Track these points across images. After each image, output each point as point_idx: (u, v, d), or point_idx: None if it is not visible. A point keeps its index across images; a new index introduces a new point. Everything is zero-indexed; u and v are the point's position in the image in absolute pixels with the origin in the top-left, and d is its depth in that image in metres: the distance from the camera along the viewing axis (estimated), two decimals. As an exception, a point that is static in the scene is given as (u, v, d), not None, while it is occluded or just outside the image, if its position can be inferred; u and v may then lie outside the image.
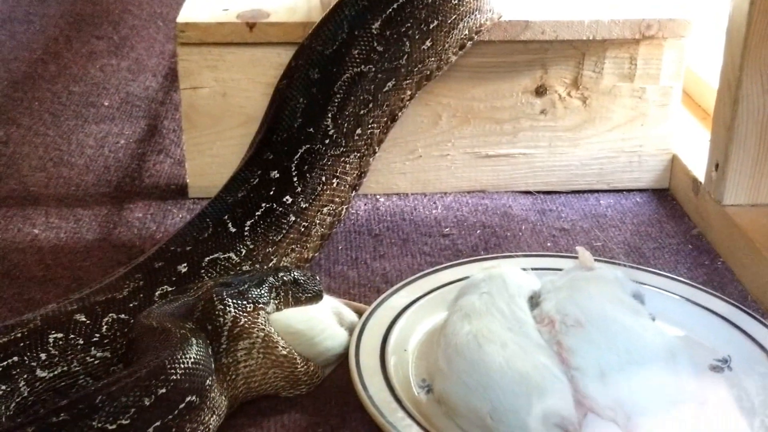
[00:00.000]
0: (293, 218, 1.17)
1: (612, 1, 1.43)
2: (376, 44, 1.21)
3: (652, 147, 1.47)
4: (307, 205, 1.18)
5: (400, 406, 0.95)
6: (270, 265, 1.14)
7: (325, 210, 1.21)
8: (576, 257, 1.13)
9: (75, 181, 1.49)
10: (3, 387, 0.90)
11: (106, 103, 1.77)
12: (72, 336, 0.96)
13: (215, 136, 1.40)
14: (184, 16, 1.36)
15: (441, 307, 1.09)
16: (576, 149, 1.46)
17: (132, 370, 0.86)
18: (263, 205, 1.15)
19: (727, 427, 0.96)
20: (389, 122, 1.28)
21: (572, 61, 1.42)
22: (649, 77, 1.43)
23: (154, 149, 1.60)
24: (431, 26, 1.25)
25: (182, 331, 0.91)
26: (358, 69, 1.21)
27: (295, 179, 1.17)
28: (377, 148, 1.28)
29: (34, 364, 0.93)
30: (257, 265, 1.12)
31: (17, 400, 0.91)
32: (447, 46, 1.29)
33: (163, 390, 0.85)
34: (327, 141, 1.20)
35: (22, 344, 0.93)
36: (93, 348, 0.97)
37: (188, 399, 0.87)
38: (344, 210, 1.25)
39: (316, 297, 1.05)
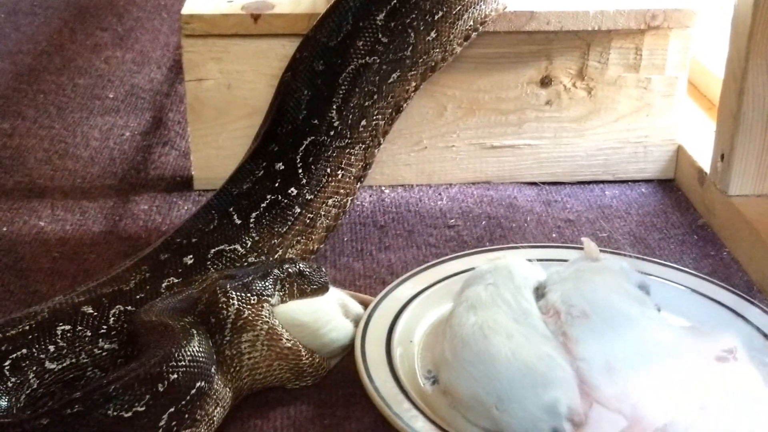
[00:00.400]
0: (298, 210, 1.17)
1: (617, -9, 1.43)
2: (380, 36, 1.21)
3: (658, 137, 1.47)
4: (312, 196, 1.18)
5: (405, 397, 0.95)
6: (276, 256, 1.14)
7: (330, 201, 1.21)
8: (581, 248, 1.13)
9: (80, 174, 1.49)
10: (13, 379, 0.90)
11: (111, 96, 1.77)
12: (80, 328, 0.97)
13: (220, 128, 1.40)
14: (188, 7, 1.36)
15: (446, 299, 1.09)
16: (581, 140, 1.46)
17: (141, 360, 0.87)
18: (268, 196, 1.15)
19: (735, 415, 0.96)
20: (394, 114, 1.28)
21: (577, 52, 1.41)
22: (655, 68, 1.43)
23: (159, 141, 1.60)
24: (436, 17, 1.25)
25: (181, 323, 0.92)
26: (363, 60, 1.21)
27: (300, 171, 1.17)
28: (382, 140, 1.28)
29: (42, 356, 0.93)
30: (263, 257, 1.13)
31: (27, 392, 0.91)
32: (452, 37, 1.29)
33: (175, 375, 0.86)
34: (332, 133, 1.20)
35: (30, 336, 0.94)
36: (101, 340, 0.98)
37: (198, 385, 0.88)
38: (349, 201, 1.25)
39: (321, 289, 1.05)
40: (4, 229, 1.33)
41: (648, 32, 1.41)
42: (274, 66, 1.35)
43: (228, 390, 0.94)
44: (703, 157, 1.40)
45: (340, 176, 1.22)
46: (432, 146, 1.45)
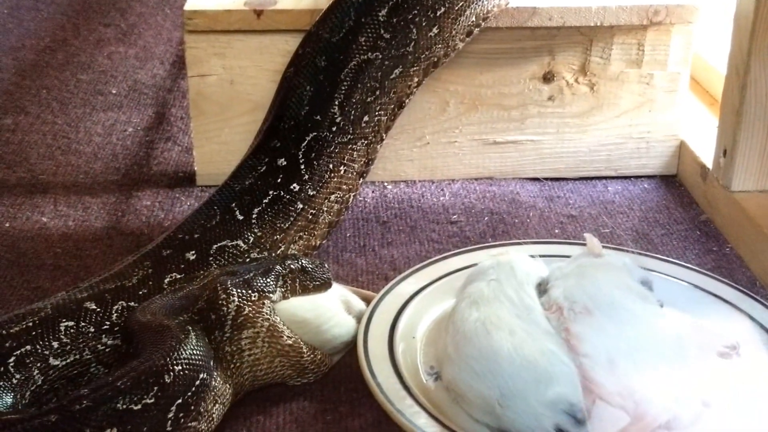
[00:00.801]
0: (301, 206, 1.17)
1: (620, -14, 1.43)
2: (383, 31, 1.21)
3: (660, 133, 1.47)
4: (314, 192, 1.18)
5: (408, 393, 0.95)
6: (278, 252, 1.14)
7: (332, 197, 1.21)
8: (584, 244, 1.13)
9: (83, 169, 1.49)
10: (18, 376, 0.91)
11: (114, 91, 1.77)
12: (83, 324, 0.97)
13: (223, 123, 1.40)
14: (191, 3, 1.36)
15: (449, 295, 1.09)
16: (584, 136, 1.46)
17: (143, 356, 0.87)
18: (271, 192, 1.15)
19: (737, 411, 0.96)
20: (396, 109, 1.28)
21: (580, 48, 1.41)
22: (657, 63, 1.43)
23: (162, 137, 1.60)
24: (438, 13, 1.25)
25: (176, 321, 0.92)
26: (365, 56, 1.21)
27: (303, 167, 1.17)
28: (385, 135, 1.28)
29: (47, 352, 0.94)
30: (265, 253, 1.13)
31: (32, 388, 0.92)
32: (454, 32, 1.29)
33: (179, 367, 0.86)
34: (334, 128, 1.20)
35: (34, 333, 0.94)
36: (104, 336, 0.98)
37: (201, 376, 0.88)
38: (352, 197, 1.25)
39: (324, 285, 1.05)
40: (7, 224, 1.33)
41: (650, 28, 1.40)
42: (277, 62, 1.35)
43: (228, 386, 0.94)
44: (706, 152, 1.40)
45: (342, 172, 1.22)
46: (434, 142, 1.45)
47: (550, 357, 0.93)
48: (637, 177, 1.49)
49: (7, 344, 0.92)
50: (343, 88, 1.20)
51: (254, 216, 1.13)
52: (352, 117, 1.21)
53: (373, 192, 1.44)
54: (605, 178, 1.48)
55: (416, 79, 1.28)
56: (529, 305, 1.02)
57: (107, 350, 0.98)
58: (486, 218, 1.37)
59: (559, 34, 1.40)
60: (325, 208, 1.21)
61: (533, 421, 0.89)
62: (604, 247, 1.12)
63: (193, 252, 1.08)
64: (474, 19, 1.31)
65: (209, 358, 0.91)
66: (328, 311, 1.04)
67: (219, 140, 1.41)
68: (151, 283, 1.03)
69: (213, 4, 1.36)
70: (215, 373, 0.92)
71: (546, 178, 1.48)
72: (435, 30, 1.26)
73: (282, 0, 1.38)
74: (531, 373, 0.91)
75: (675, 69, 1.43)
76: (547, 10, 1.37)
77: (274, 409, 0.99)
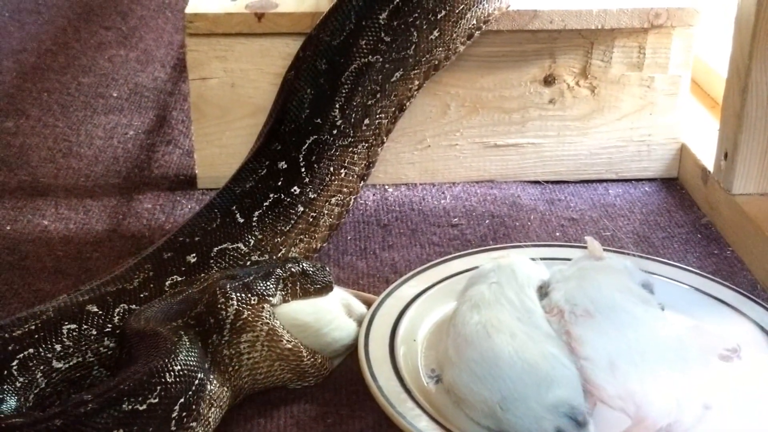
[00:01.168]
0: (301, 208, 1.17)
1: (620, -11, 1.43)
2: (383, 35, 1.21)
3: (661, 136, 1.47)
4: (315, 195, 1.18)
5: (409, 396, 0.95)
6: (279, 255, 1.14)
7: (333, 200, 1.21)
8: (585, 247, 1.13)
9: (84, 172, 1.49)
10: (21, 379, 0.91)
11: (115, 94, 1.77)
12: (85, 327, 0.97)
13: (224, 126, 1.40)
14: (192, 6, 1.36)
15: (450, 298, 1.09)
16: (585, 139, 1.46)
17: (141, 361, 0.87)
18: (271, 195, 1.15)
19: (738, 414, 0.96)
20: (397, 112, 1.28)
21: (581, 51, 1.41)
22: (658, 66, 1.43)
23: (162, 140, 1.60)
24: (439, 16, 1.25)
25: (169, 327, 0.92)
26: (366, 59, 1.21)
27: (303, 170, 1.17)
28: (385, 138, 1.28)
29: (49, 355, 0.94)
30: (266, 255, 1.13)
31: (36, 391, 0.92)
32: (455, 35, 1.29)
33: (178, 367, 0.87)
34: (335, 131, 1.20)
35: (36, 336, 0.94)
36: (106, 338, 0.98)
37: (199, 376, 0.89)
38: (352, 200, 1.25)
39: (325, 288, 1.05)
40: (8, 227, 1.33)
41: (651, 31, 1.40)
42: (278, 65, 1.35)
43: (225, 389, 0.94)
44: (707, 155, 1.40)
45: (343, 175, 1.22)
46: (435, 145, 1.45)
47: (551, 360, 0.93)
48: (638, 180, 1.49)
49: (10, 347, 0.92)
50: (343, 91, 1.20)
51: (255, 219, 1.13)
52: (352, 120, 1.21)
53: (374, 195, 1.44)
54: (606, 181, 1.48)
55: (417, 82, 1.28)
56: (530, 308, 1.02)
57: (109, 353, 0.98)
58: (487, 221, 1.37)
59: (560, 37, 1.40)
60: (326, 211, 1.21)
61: (534, 424, 0.89)
62: (605, 250, 1.12)
63: (194, 255, 1.08)
64: (475, 22, 1.31)
65: (204, 361, 0.91)
66: (329, 314, 1.03)
67: (220, 143, 1.41)
68: (152, 285, 1.03)
69: (214, 7, 1.36)
70: (211, 376, 0.92)
71: (547, 181, 1.48)
72: (436, 33, 1.26)
73: (283, 3, 1.38)
74: (532, 376, 0.91)
75: (676, 72, 1.43)
76: (548, 13, 1.37)
77: (275, 412, 0.99)
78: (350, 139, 1.22)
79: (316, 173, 1.18)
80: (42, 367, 0.93)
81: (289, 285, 1.01)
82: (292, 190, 1.16)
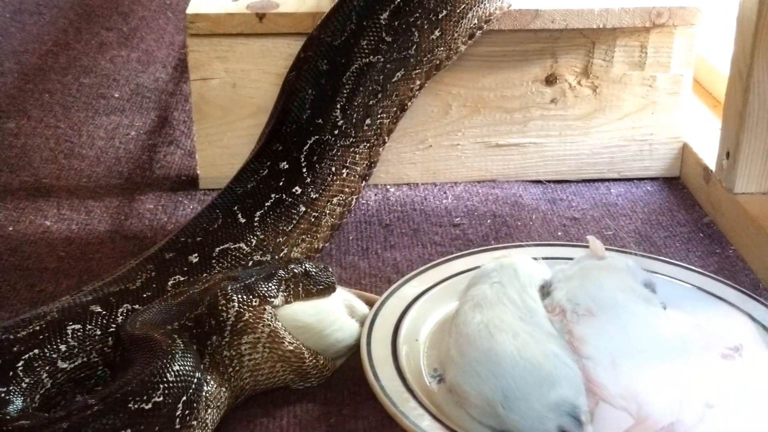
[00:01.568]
0: (303, 209, 1.17)
1: (622, -11, 1.43)
2: (384, 35, 1.21)
3: (663, 135, 1.47)
4: (316, 195, 1.18)
5: (411, 395, 0.95)
6: (281, 255, 1.14)
7: (335, 200, 1.21)
8: (587, 246, 1.13)
9: (86, 173, 1.49)
10: (27, 380, 0.91)
11: (117, 95, 1.77)
12: (89, 327, 0.97)
13: (225, 126, 1.40)
14: (194, 7, 1.36)
15: (452, 297, 1.09)
16: (586, 138, 1.46)
17: (139, 363, 0.87)
18: (273, 195, 1.15)
19: (741, 413, 0.96)
20: (399, 112, 1.28)
21: (582, 50, 1.41)
22: (660, 65, 1.43)
23: (164, 140, 1.60)
24: (440, 16, 1.25)
25: (162, 330, 0.92)
26: (367, 60, 1.21)
27: (305, 170, 1.17)
28: (387, 138, 1.28)
29: (54, 355, 0.94)
30: (268, 255, 1.13)
31: (41, 392, 0.92)
32: (456, 35, 1.29)
33: (177, 366, 0.87)
34: (336, 132, 1.20)
35: (41, 336, 0.94)
36: (110, 338, 0.98)
37: (197, 375, 0.89)
38: (354, 200, 1.26)
39: (328, 289, 1.04)
40: (11, 228, 1.33)
41: (653, 30, 1.40)
42: (279, 65, 1.35)
43: (223, 390, 0.94)
44: (709, 154, 1.40)
45: (344, 175, 1.22)
46: (437, 145, 1.45)
47: (553, 359, 0.93)
48: (639, 179, 1.49)
49: (15, 348, 0.92)
50: (345, 91, 1.20)
51: (257, 219, 1.13)
52: (354, 120, 1.21)
53: (375, 195, 1.44)
54: (608, 180, 1.48)
55: (418, 82, 1.28)
56: (532, 308, 1.02)
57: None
58: (489, 221, 1.37)
59: (561, 37, 1.40)
60: (328, 211, 1.21)
61: (536, 424, 0.89)
62: (607, 249, 1.12)
63: (196, 255, 1.08)
64: (476, 21, 1.31)
65: (199, 362, 0.91)
66: (331, 315, 1.03)
67: (221, 144, 1.41)
68: (154, 285, 1.04)
69: (215, 8, 1.36)
70: (208, 377, 0.92)
71: (549, 181, 1.48)
72: (437, 33, 1.26)
73: (284, 3, 1.38)
74: (534, 376, 0.91)
75: (678, 71, 1.43)
76: (549, 12, 1.37)
77: (277, 412, 0.99)
78: (352, 139, 1.22)
79: (317, 173, 1.18)
80: (47, 368, 0.93)
81: (292, 286, 1.01)
82: (294, 190, 1.16)
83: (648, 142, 1.47)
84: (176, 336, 0.91)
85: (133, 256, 1.18)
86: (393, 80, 1.24)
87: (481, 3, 1.30)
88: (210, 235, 1.11)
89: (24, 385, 0.90)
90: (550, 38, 1.40)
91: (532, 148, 1.46)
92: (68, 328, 0.96)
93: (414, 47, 1.24)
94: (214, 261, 1.09)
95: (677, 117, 1.46)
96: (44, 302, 1.06)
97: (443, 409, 0.95)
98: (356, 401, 1.01)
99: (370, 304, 1.10)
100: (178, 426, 0.86)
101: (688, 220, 1.37)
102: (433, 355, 1.05)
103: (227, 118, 1.40)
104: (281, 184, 1.16)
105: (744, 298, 1.11)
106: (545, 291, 1.06)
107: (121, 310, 1.00)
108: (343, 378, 1.04)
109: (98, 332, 0.97)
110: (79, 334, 0.96)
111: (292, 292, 1.01)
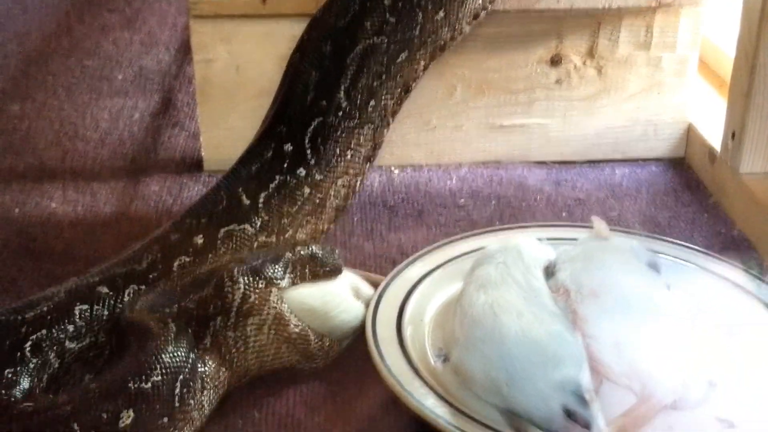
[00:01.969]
0: (308, 190, 1.17)
1: (627, -31, 1.42)
2: (388, 15, 1.21)
3: (668, 116, 1.46)
4: (321, 177, 1.18)
5: (416, 375, 0.96)
6: (286, 236, 1.15)
7: (339, 182, 1.21)
8: (591, 227, 1.13)
9: (91, 156, 1.50)
10: (35, 360, 0.91)
11: (120, 77, 1.77)
12: (97, 307, 0.98)
13: (229, 109, 1.40)
14: (197, -12, 1.36)
15: (457, 278, 1.09)
16: (591, 119, 1.46)
17: (135, 347, 0.88)
18: (277, 177, 1.15)
19: (744, 392, 0.96)
20: (403, 94, 1.28)
21: (588, 31, 1.41)
22: (666, 46, 1.42)
23: (168, 123, 1.60)
24: (444, -4, 1.25)
25: (158, 315, 0.93)
26: (371, 41, 1.20)
27: (309, 152, 1.17)
28: (391, 120, 1.28)
29: (62, 336, 0.94)
30: (273, 237, 1.13)
31: (49, 372, 0.92)
32: (460, 16, 1.29)
33: (171, 347, 0.88)
34: (340, 113, 1.19)
35: (49, 317, 0.95)
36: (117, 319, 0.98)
37: (191, 355, 0.89)
38: (359, 182, 1.25)
39: (334, 271, 1.05)
40: (16, 210, 1.34)
41: (659, 10, 1.40)
42: (283, 47, 1.35)
43: (223, 370, 0.94)
44: (714, 135, 1.40)
45: (349, 157, 1.22)
46: (441, 126, 1.45)
47: (557, 339, 0.93)
48: (644, 160, 1.48)
49: (23, 330, 0.93)
50: (348, 73, 1.20)
51: (261, 201, 1.14)
52: (358, 102, 1.21)
53: (380, 177, 1.44)
54: (613, 161, 1.48)
55: (423, 63, 1.28)
56: (537, 288, 1.02)
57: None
58: (493, 202, 1.37)
59: (566, 17, 1.39)
60: (333, 193, 1.21)
61: (541, 403, 0.90)
62: (611, 230, 1.12)
63: (201, 236, 1.09)
64: (481, 2, 1.30)
65: (192, 344, 0.92)
66: (337, 297, 1.04)
67: (226, 126, 1.41)
68: (160, 267, 1.04)
69: (219, -11, 1.36)
70: (207, 358, 0.93)
71: (553, 162, 1.48)
72: (441, 13, 1.26)
73: (288, -16, 1.38)
74: (538, 355, 0.91)
75: (683, 52, 1.42)
76: (554, -8, 1.37)
77: (283, 391, 1.00)
78: (356, 121, 1.22)
79: (321, 155, 1.18)
80: (55, 348, 0.93)
81: (299, 268, 1.01)
82: (298, 171, 1.16)
83: (653, 123, 1.47)
84: (169, 320, 0.92)
85: (138, 238, 1.18)
86: (397, 61, 1.24)
87: (486, -17, 1.29)
88: (215, 216, 1.11)
89: (31, 366, 0.91)
90: (555, 19, 1.39)
91: (536, 129, 1.46)
92: (76, 308, 0.96)
93: (418, 28, 1.24)
94: (219, 242, 1.09)
95: (683, 98, 1.45)
96: (51, 284, 1.07)
97: (448, 389, 0.96)
98: (362, 381, 1.01)
99: (374, 285, 1.10)
100: (177, 404, 0.87)
101: (692, 201, 1.37)
102: (437, 335, 1.05)
103: (231, 100, 1.40)
104: (285, 166, 1.16)
105: (748, 279, 1.11)
106: (549, 272, 1.06)
107: (127, 290, 1.00)
108: (348, 358, 1.04)
109: (106, 313, 0.98)
110: (86, 314, 0.97)
111: (298, 275, 1.01)
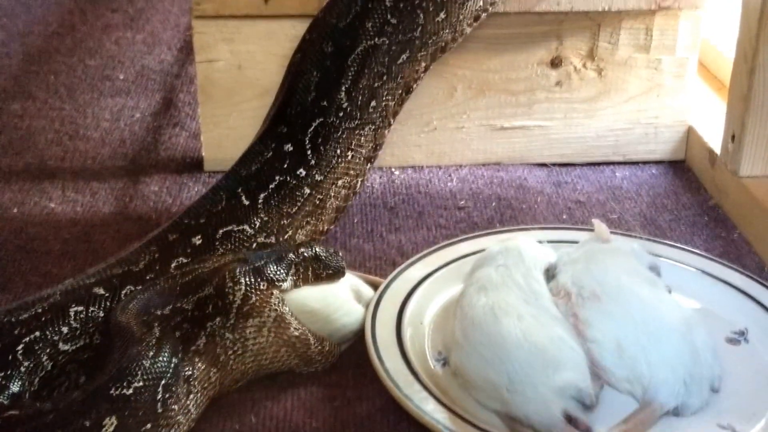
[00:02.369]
0: (308, 191, 1.17)
1: (628, -29, 1.42)
2: (389, 16, 1.21)
3: (668, 118, 1.46)
4: (321, 177, 1.18)
5: (416, 378, 0.96)
6: (285, 237, 1.14)
7: (339, 183, 1.21)
8: (592, 230, 1.13)
9: (91, 155, 1.49)
10: (26, 363, 0.91)
11: (122, 77, 1.77)
12: (92, 309, 0.97)
13: (231, 108, 1.40)
14: (198, -12, 1.36)
15: (457, 280, 1.09)
16: (591, 121, 1.46)
17: (119, 351, 0.88)
18: (277, 177, 1.15)
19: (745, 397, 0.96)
20: (404, 94, 1.28)
21: (588, 33, 1.41)
22: (665, 48, 1.42)
23: (169, 122, 1.60)
24: (445, -3, 1.25)
25: (145, 318, 0.92)
26: (372, 42, 1.20)
27: (309, 152, 1.17)
28: (392, 121, 1.28)
29: (56, 338, 0.94)
30: (272, 238, 1.13)
31: (41, 374, 0.92)
32: (461, 17, 1.29)
33: (152, 352, 0.87)
34: (341, 114, 1.19)
35: (43, 319, 0.94)
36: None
37: (174, 360, 0.89)
38: (359, 183, 1.25)
39: (337, 273, 1.04)
40: (15, 210, 1.34)
41: (658, 13, 1.40)
42: (285, 47, 1.35)
43: (213, 371, 0.93)
44: (714, 137, 1.40)
45: (350, 157, 1.22)
46: (442, 127, 1.45)
47: (558, 342, 0.93)
48: (645, 162, 1.48)
49: (16, 331, 0.92)
50: (350, 73, 1.20)
51: (260, 201, 1.13)
52: (359, 102, 1.21)
53: (380, 177, 1.44)
54: (613, 163, 1.48)
55: (423, 64, 1.28)
56: (537, 291, 1.02)
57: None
58: (494, 204, 1.37)
59: (567, 19, 1.39)
60: (333, 194, 1.21)
61: (541, 407, 0.89)
62: (612, 232, 1.12)
63: (199, 237, 1.08)
64: (482, 3, 1.30)
65: (175, 349, 0.91)
66: (338, 300, 1.03)
67: (227, 126, 1.41)
68: (158, 267, 1.04)
69: (220, -11, 1.36)
70: (196, 360, 0.92)
71: (554, 164, 1.48)
72: (442, 15, 1.25)
73: (289, -15, 1.38)
74: (539, 359, 0.91)
75: (683, 54, 1.42)
76: (555, -6, 1.37)
77: (281, 395, 1.00)
78: (357, 121, 1.21)
79: (322, 156, 1.18)
80: (48, 350, 0.93)
81: (301, 270, 1.01)
82: (298, 172, 1.16)
83: (653, 126, 1.47)
84: (155, 324, 0.91)
85: (137, 238, 1.18)
86: (398, 62, 1.24)
87: (487, -15, 1.29)
88: (213, 216, 1.11)
89: (23, 369, 0.90)
90: (556, 21, 1.39)
91: (537, 130, 1.46)
92: (71, 309, 0.96)
93: (419, 29, 1.24)
94: (217, 243, 1.09)
95: (682, 100, 1.45)
96: (49, 284, 1.07)
97: (448, 392, 0.96)
98: (361, 384, 1.01)
99: (374, 286, 1.10)
100: (160, 410, 0.86)
101: (693, 204, 1.37)
102: (437, 337, 1.05)
103: (232, 100, 1.40)
104: (286, 166, 1.16)
105: (749, 282, 1.11)
106: (550, 274, 1.06)
107: (124, 291, 1.00)
108: (347, 361, 1.04)
109: (101, 314, 0.98)
110: (81, 315, 0.96)
111: (301, 276, 1.01)
